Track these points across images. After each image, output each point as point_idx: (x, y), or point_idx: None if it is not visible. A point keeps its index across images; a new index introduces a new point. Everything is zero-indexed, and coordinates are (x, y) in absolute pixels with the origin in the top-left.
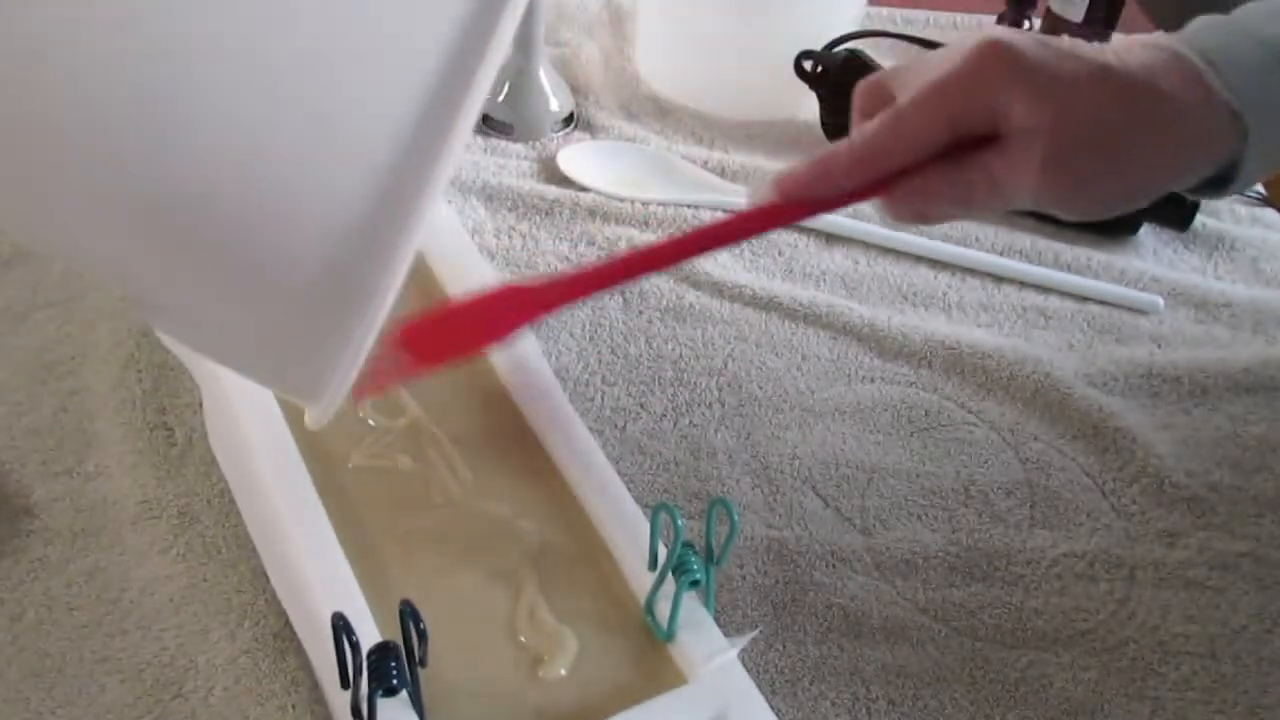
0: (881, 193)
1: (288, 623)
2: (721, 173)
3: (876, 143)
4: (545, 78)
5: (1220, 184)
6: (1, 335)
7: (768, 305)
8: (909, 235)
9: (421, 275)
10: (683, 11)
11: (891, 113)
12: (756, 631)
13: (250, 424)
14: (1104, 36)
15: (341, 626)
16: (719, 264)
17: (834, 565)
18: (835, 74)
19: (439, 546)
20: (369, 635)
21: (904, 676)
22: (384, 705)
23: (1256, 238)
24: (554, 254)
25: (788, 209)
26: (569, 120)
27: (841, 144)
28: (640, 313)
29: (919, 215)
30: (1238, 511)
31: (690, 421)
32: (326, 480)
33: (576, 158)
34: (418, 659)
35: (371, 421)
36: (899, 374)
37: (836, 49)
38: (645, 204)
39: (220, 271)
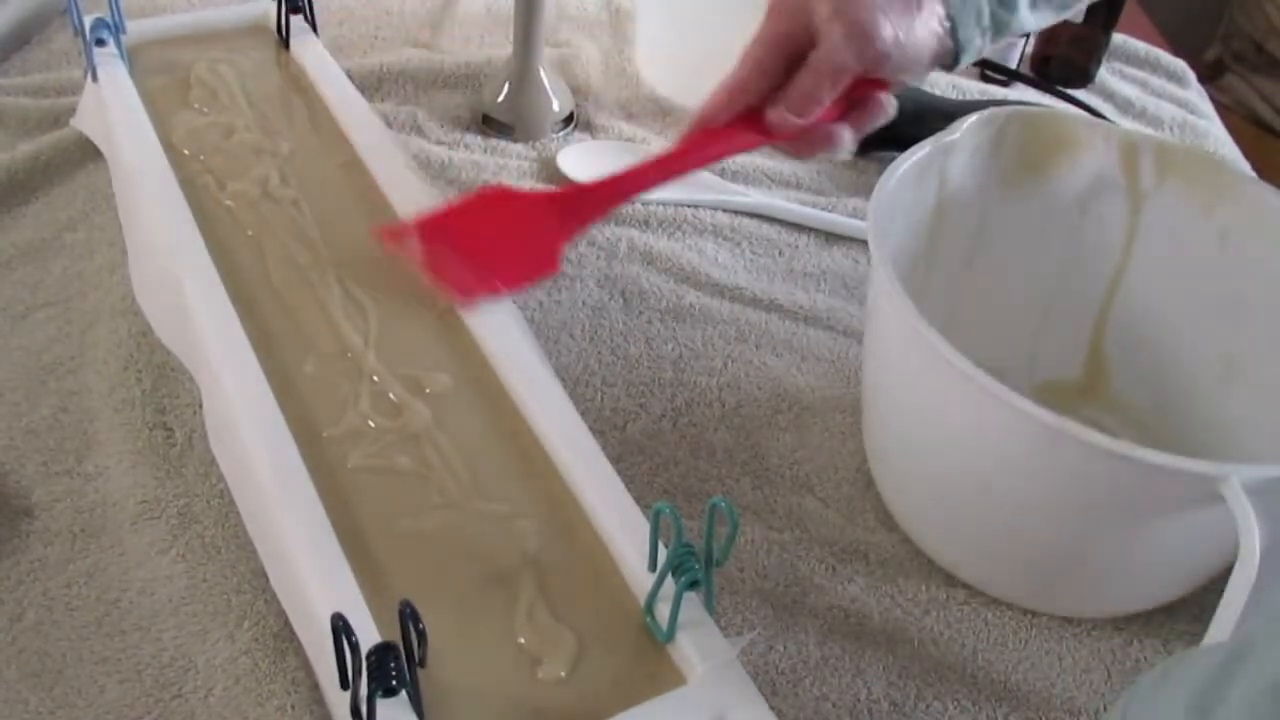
0: (790, 134)
1: (287, 623)
2: (721, 173)
3: (740, 74)
4: (545, 78)
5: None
6: (1, 335)
7: (768, 305)
8: None
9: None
10: (683, 11)
11: (743, 53)
12: (756, 632)
13: (249, 424)
14: (1104, 37)
15: (341, 627)
16: (719, 264)
17: (834, 566)
18: None
19: (438, 547)
20: (368, 636)
21: (906, 677)
22: (383, 706)
23: None
24: None
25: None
26: (569, 120)
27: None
28: (640, 313)
29: (820, 139)
30: None
31: (690, 421)
32: (326, 481)
33: (576, 158)
34: (417, 660)
35: (372, 422)
36: None
37: None
38: (645, 204)
39: None
